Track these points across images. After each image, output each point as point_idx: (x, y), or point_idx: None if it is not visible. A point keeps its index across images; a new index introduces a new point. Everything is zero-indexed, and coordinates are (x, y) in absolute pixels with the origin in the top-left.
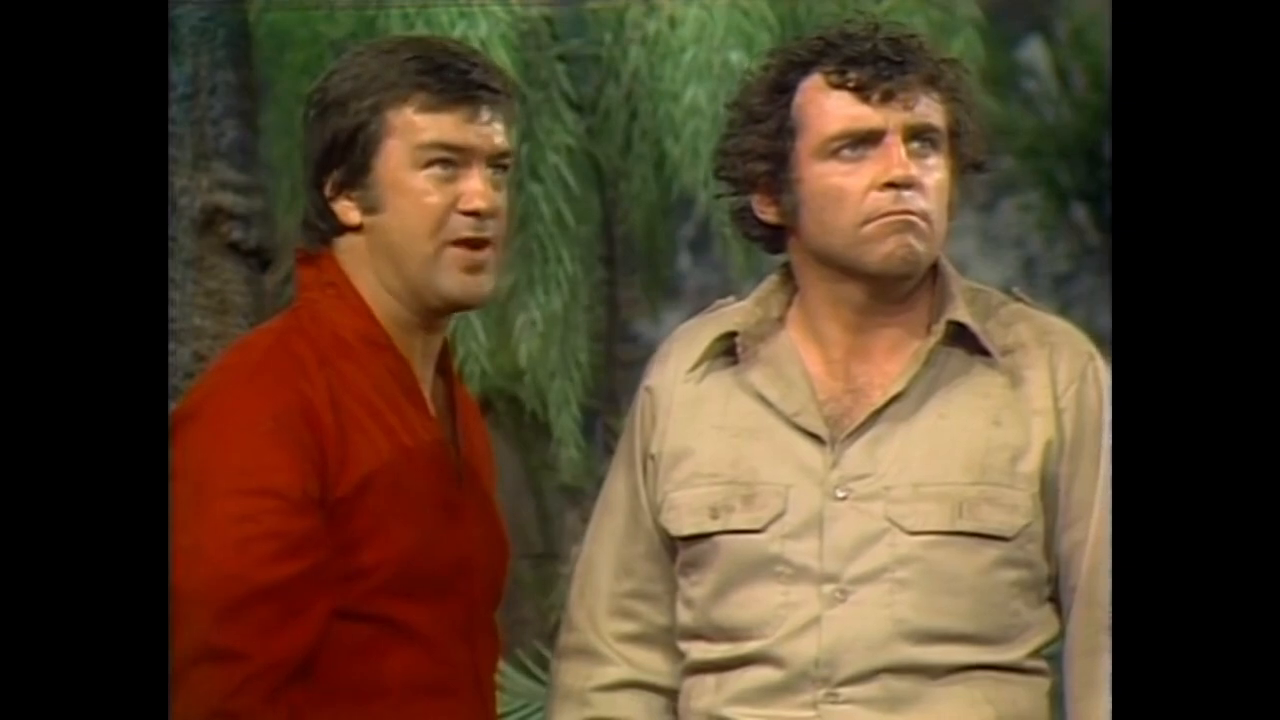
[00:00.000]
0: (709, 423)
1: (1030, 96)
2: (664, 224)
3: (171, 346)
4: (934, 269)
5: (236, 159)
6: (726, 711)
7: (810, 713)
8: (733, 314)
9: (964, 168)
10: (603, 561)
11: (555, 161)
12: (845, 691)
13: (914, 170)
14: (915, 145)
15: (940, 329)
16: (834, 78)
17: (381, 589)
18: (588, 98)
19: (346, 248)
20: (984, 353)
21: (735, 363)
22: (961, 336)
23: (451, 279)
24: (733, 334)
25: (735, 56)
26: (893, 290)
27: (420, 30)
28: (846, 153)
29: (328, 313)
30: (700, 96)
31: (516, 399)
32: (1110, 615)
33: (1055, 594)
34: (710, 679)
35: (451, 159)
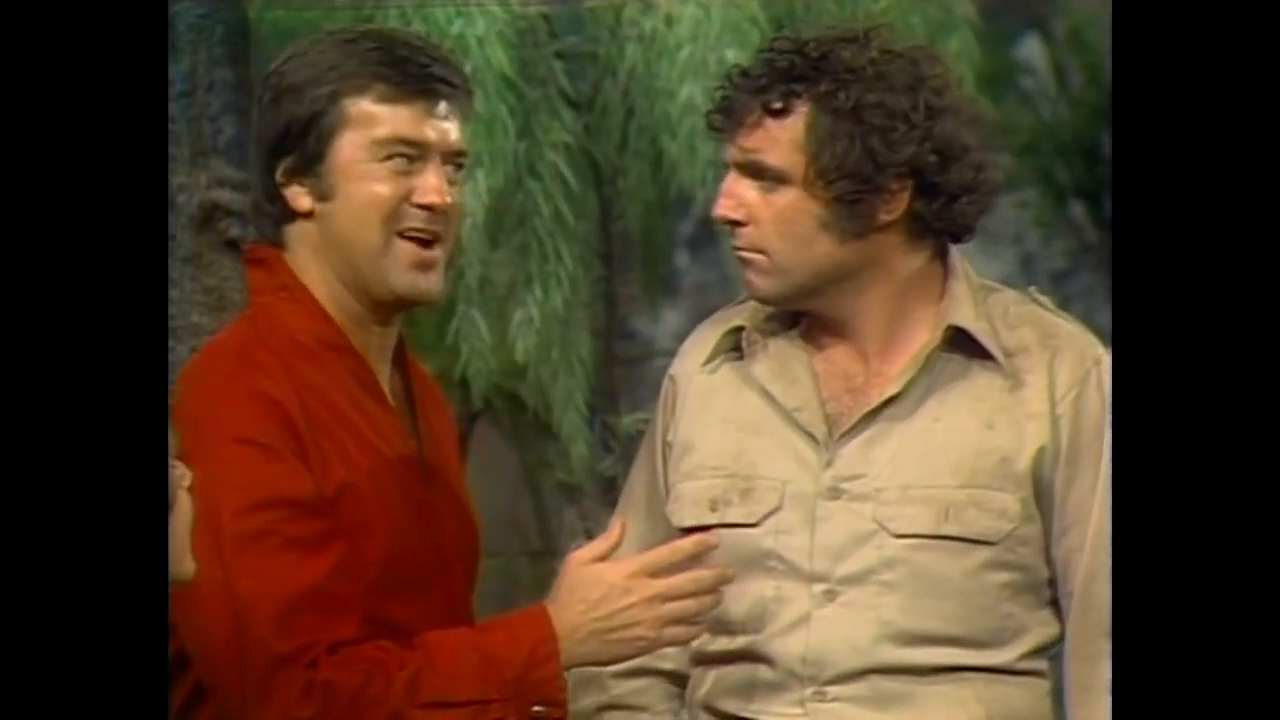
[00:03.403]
0: (717, 415)
1: (1028, 94)
2: (662, 221)
3: (170, 344)
4: (945, 267)
5: (234, 156)
6: (720, 705)
7: (798, 709)
8: (745, 308)
9: (826, 188)
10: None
11: (553, 159)
12: (833, 690)
13: (742, 207)
14: (753, 180)
15: (940, 333)
16: (711, 119)
17: (369, 590)
18: (585, 95)
19: (298, 235)
20: (987, 355)
21: (741, 357)
22: (964, 339)
23: (401, 275)
24: (740, 328)
25: (731, 54)
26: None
27: (418, 27)
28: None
29: (283, 317)
30: (697, 94)
31: (517, 397)
32: (1108, 621)
33: (1057, 597)
34: (708, 671)
35: (409, 153)
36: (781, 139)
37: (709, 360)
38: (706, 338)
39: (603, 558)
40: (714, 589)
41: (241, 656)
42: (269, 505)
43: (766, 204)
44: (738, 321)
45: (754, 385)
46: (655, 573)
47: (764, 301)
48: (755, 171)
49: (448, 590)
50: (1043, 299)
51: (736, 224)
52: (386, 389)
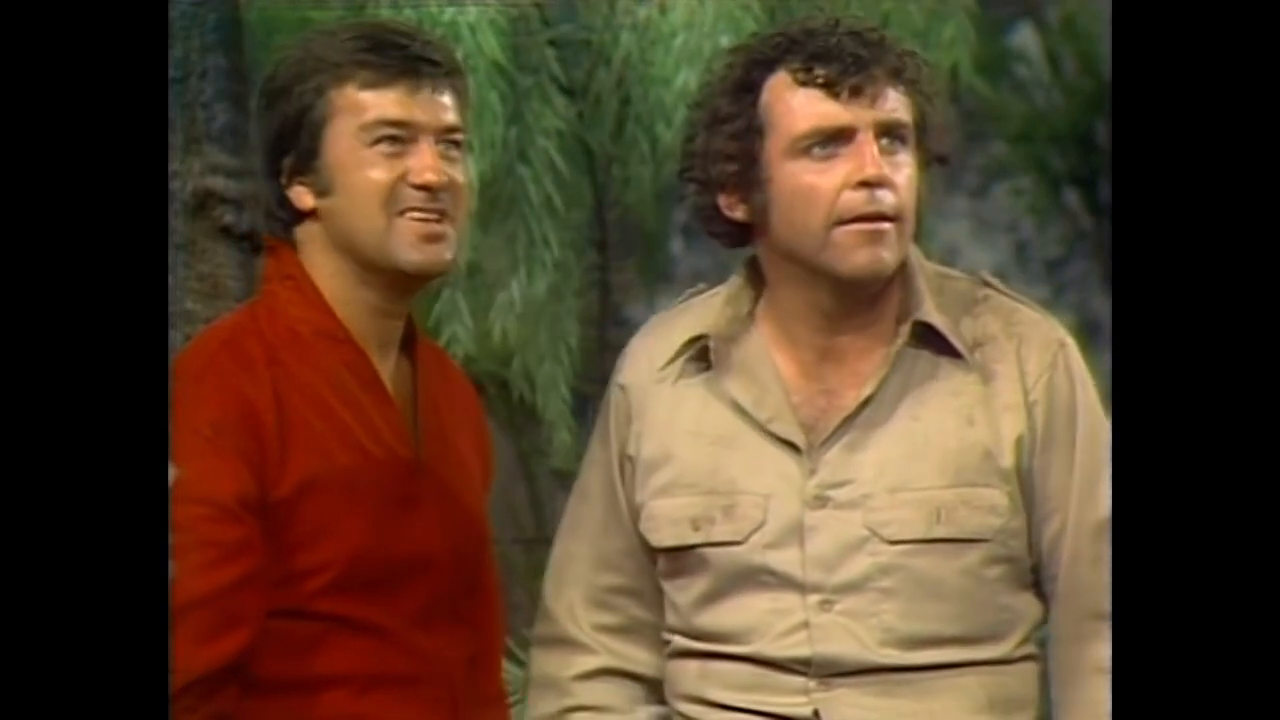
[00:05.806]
0: (685, 429)
1: (1022, 82)
2: (656, 209)
3: None
4: (903, 263)
5: (228, 143)
6: (711, 695)
7: (801, 698)
8: (703, 313)
9: (929, 161)
10: (581, 554)
11: (545, 145)
12: (837, 680)
13: (885, 169)
14: (885, 142)
15: (906, 330)
16: (800, 75)
17: (330, 587)
18: (578, 83)
19: (306, 236)
20: (954, 350)
21: (708, 368)
22: (930, 334)
23: (409, 249)
24: (703, 336)
25: (726, 42)
26: (861, 292)
27: (409, 16)
28: (817, 151)
29: (284, 306)
30: (691, 82)
31: (506, 383)
32: (1093, 602)
33: (1037, 580)
34: (693, 665)
35: (398, 135)
36: (901, 104)
37: (667, 365)
38: (659, 342)
39: None
40: None
41: None
42: (196, 501)
43: (895, 166)
44: (698, 330)
45: (721, 396)
46: None
47: (880, 279)
48: (893, 131)
49: (427, 591)
50: (996, 282)
51: (880, 186)
52: (389, 380)
